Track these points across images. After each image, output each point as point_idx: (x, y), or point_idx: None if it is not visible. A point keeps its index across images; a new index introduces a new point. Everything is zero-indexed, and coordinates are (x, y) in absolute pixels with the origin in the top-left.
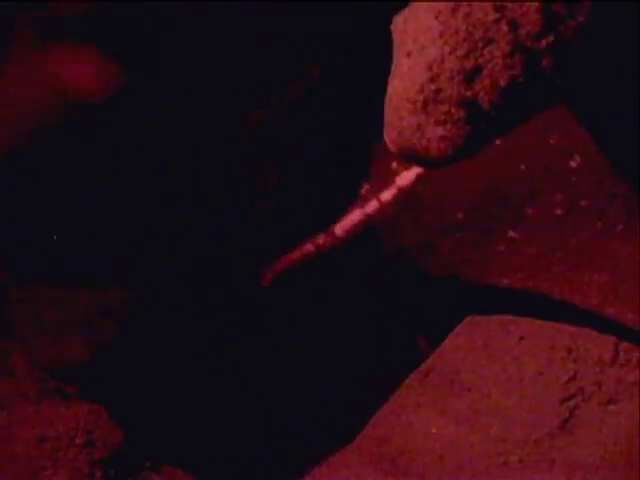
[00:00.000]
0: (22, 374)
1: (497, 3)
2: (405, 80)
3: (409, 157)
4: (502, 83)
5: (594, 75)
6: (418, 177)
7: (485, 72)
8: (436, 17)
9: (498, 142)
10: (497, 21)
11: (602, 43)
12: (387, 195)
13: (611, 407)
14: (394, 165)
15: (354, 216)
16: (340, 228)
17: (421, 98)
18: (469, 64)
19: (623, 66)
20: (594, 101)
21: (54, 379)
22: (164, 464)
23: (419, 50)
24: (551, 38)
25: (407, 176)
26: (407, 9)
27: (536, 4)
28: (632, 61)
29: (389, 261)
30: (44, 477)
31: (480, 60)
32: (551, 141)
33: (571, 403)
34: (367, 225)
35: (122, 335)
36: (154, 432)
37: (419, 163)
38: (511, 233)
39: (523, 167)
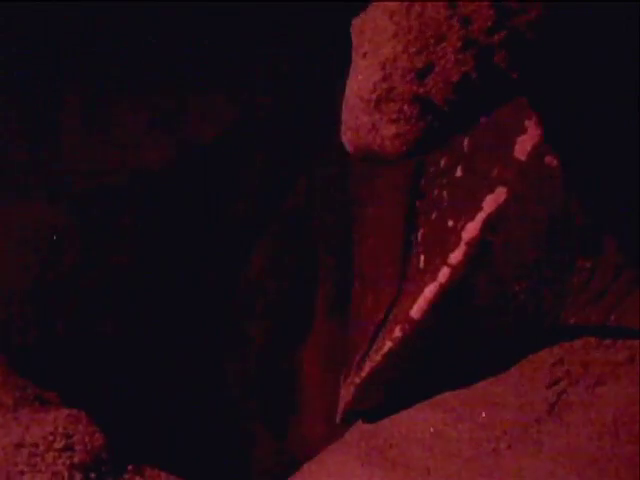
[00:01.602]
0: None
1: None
2: (360, 80)
3: (365, 156)
4: (454, 79)
5: (551, 69)
6: (484, 225)
7: (437, 69)
8: (390, 17)
9: (555, 164)
10: (449, 18)
11: (557, 37)
12: (457, 255)
13: (599, 389)
14: (450, 223)
15: (428, 292)
16: (417, 311)
17: (374, 97)
18: (421, 61)
19: (582, 59)
20: (555, 97)
21: (33, 386)
22: (147, 466)
23: (374, 50)
24: (503, 33)
25: (474, 227)
26: (365, 11)
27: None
28: (590, 54)
29: (468, 324)
30: None
31: (432, 57)
32: None
33: (558, 387)
34: (443, 295)
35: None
36: (137, 434)
37: (375, 162)
38: (581, 261)
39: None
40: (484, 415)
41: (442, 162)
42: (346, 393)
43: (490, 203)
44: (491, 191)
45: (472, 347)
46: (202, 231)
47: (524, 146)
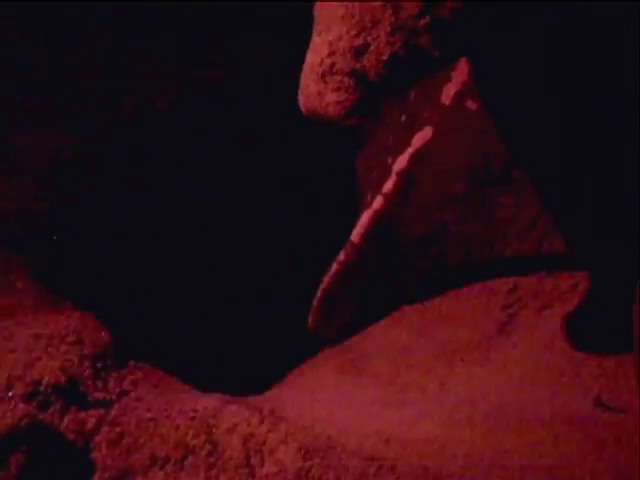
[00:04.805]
0: (22, 288)
1: None
2: (314, 55)
3: (314, 117)
4: (385, 57)
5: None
6: (412, 158)
7: (372, 48)
8: (341, 1)
9: (474, 108)
10: (383, 6)
11: (476, 19)
12: (388, 185)
13: (545, 312)
14: (389, 160)
15: (364, 219)
16: (356, 235)
17: (321, 70)
18: (359, 42)
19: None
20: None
21: (51, 294)
22: (147, 364)
23: (326, 30)
24: (428, 19)
25: (402, 160)
26: None
27: None
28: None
29: (404, 249)
30: (39, 365)
31: (368, 38)
32: None
33: (510, 310)
34: (379, 222)
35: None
36: (141, 337)
37: (321, 122)
38: (504, 198)
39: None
40: (443, 334)
41: (394, 113)
42: (310, 315)
43: (418, 139)
44: (420, 129)
45: (414, 270)
46: None
47: (449, 92)
